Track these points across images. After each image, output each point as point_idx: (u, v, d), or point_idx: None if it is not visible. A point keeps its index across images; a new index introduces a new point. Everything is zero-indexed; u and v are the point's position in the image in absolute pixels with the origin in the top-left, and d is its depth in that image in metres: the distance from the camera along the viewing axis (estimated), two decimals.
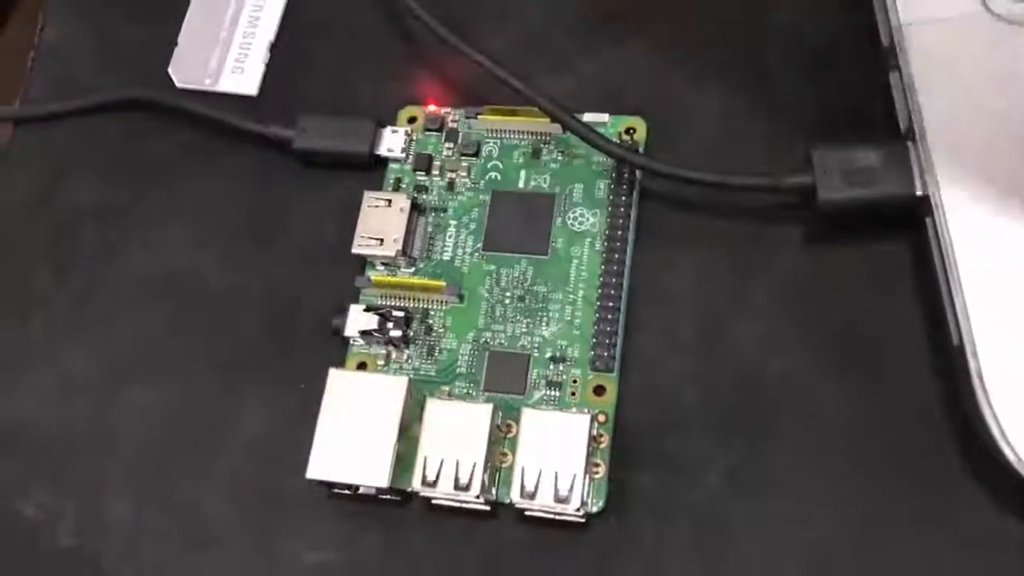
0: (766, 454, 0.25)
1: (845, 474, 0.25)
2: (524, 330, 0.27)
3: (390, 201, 0.28)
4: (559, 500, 0.23)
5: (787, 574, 0.24)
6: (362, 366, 0.27)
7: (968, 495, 0.24)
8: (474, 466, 0.24)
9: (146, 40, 0.33)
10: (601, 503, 0.25)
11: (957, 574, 0.24)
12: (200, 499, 0.27)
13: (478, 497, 0.24)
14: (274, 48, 0.32)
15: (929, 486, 0.24)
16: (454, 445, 0.24)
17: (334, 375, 0.25)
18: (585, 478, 0.24)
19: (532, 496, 0.23)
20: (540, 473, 0.23)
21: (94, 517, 0.27)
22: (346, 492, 0.25)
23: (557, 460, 0.24)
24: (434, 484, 0.24)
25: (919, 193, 0.25)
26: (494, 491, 0.25)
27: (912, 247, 0.26)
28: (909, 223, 0.26)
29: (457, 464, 0.24)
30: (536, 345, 0.27)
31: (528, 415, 0.24)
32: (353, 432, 0.24)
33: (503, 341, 0.27)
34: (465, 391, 0.26)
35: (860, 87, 0.28)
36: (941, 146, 0.25)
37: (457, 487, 0.24)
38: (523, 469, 0.24)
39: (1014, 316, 0.23)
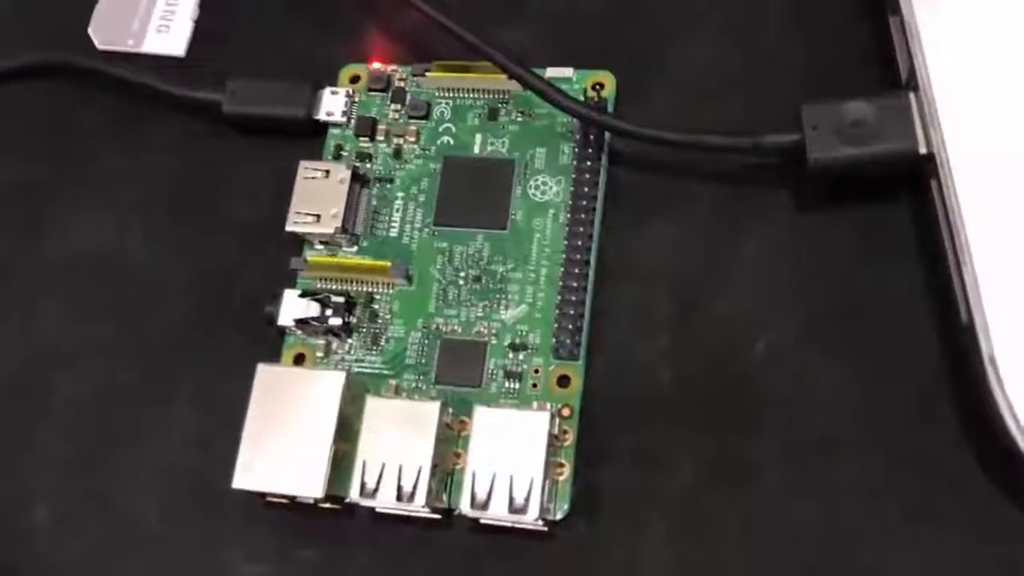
0: (750, 443, 0.23)
1: (837, 464, 0.22)
2: (480, 315, 0.24)
3: (328, 172, 0.25)
4: (515, 510, 0.20)
5: None
6: (299, 358, 0.24)
7: (976, 488, 0.22)
8: (419, 472, 0.21)
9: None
10: (566, 507, 0.22)
11: (963, 573, 0.21)
12: (126, 503, 0.24)
13: (424, 507, 0.21)
14: (204, 4, 0.29)
15: (932, 477, 0.22)
16: (398, 449, 0.21)
17: (262, 371, 0.22)
18: (546, 482, 0.21)
19: (484, 506, 0.21)
20: (494, 479, 0.21)
21: (11, 521, 0.25)
22: (282, 500, 0.23)
23: (513, 464, 0.21)
24: (374, 493, 0.21)
25: (922, 151, 0.22)
26: (445, 497, 0.22)
27: (915, 212, 0.23)
28: (911, 185, 0.23)
29: (400, 470, 0.21)
30: (494, 331, 0.24)
31: (480, 413, 0.21)
32: (284, 436, 0.22)
33: (457, 327, 0.24)
34: (414, 385, 0.24)
35: (855, 33, 0.25)
36: (948, 97, 0.22)
37: (400, 497, 0.21)
38: (474, 475, 0.21)
39: None
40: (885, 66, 0.24)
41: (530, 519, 0.21)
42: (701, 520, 0.22)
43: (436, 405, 0.22)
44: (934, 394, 0.22)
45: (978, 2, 0.23)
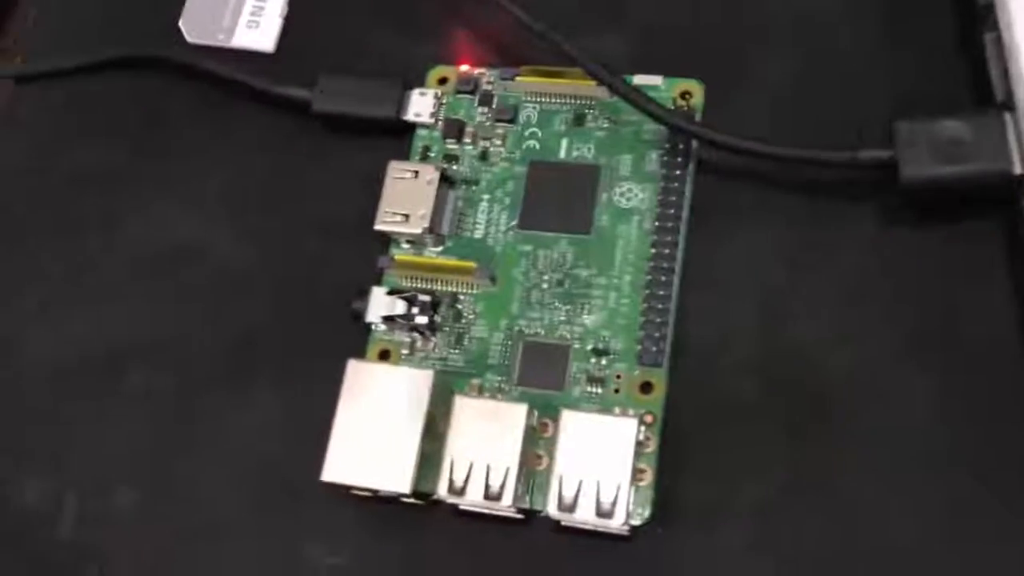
0: (833, 457, 0.23)
1: (922, 480, 0.22)
2: (563, 318, 0.24)
3: (417, 172, 0.25)
4: (602, 515, 0.21)
5: None
6: (384, 355, 0.25)
7: None
8: (507, 472, 0.21)
9: None
10: (647, 513, 0.22)
11: None
12: (208, 491, 0.25)
13: (510, 507, 0.21)
14: (293, 1, 0.30)
15: (1017, 496, 0.22)
16: (485, 449, 0.22)
17: (353, 367, 0.23)
18: (630, 487, 0.21)
19: (571, 509, 0.21)
20: (580, 484, 0.21)
21: (95, 507, 0.25)
22: (366, 493, 0.23)
23: (599, 469, 0.21)
24: (462, 491, 0.21)
25: (1017, 171, 0.22)
26: (527, 498, 0.22)
27: (1007, 231, 0.23)
28: (1004, 204, 0.23)
29: (488, 469, 0.21)
30: (577, 336, 0.24)
31: (568, 417, 0.22)
32: (373, 431, 0.22)
33: (540, 330, 0.24)
34: (497, 385, 0.24)
35: (949, 49, 0.25)
36: None
37: (488, 496, 0.21)
38: (561, 478, 0.21)
39: None
40: (980, 85, 0.24)
41: (616, 524, 0.21)
42: (781, 533, 0.22)
43: (523, 407, 0.22)
44: (1017, 415, 0.22)
45: None
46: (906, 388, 0.23)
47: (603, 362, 0.24)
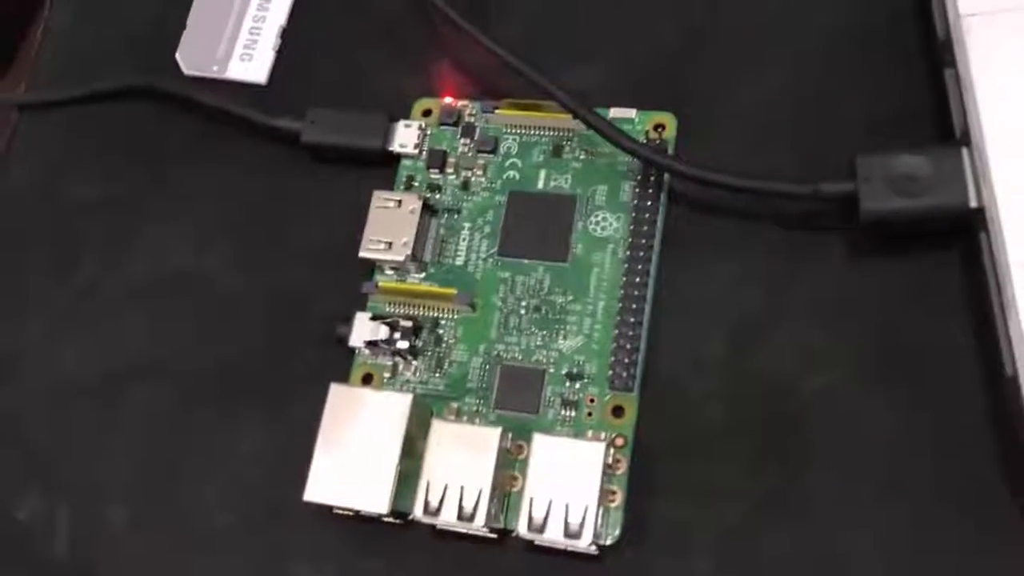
0: (800, 481, 0.23)
1: (886, 504, 0.23)
2: (539, 343, 0.25)
3: (400, 202, 0.26)
4: (570, 535, 0.22)
5: None
6: (367, 378, 0.26)
7: (1019, 530, 0.22)
8: (480, 494, 0.22)
9: (156, 24, 0.32)
10: (616, 534, 0.23)
11: None
12: (197, 510, 0.26)
13: (483, 527, 0.22)
14: (285, 34, 0.31)
15: (977, 518, 0.22)
16: (459, 471, 0.22)
17: (335, 391, 0.24)
18: (599, 509, 0.22)
19: (540, 529, 0.22)
20: (550, 504, 0.22)
21: (89, 524, 0.26)
22: (348, 512, 0.24)
23: (569, 491, 0.22)
24: (437, 512, 0.22)
25: (973, 205, 0.23)
26: (502, 518, 0.23)
27: (964, 262, 0.24)
28: (961, 236, 0.24)
29: (462, 491, 0.22)
30: (552, 360, 0.25)
31: (539, 441, 0.22)
32: (354, 453, 0.23)
33: (517, 355, 0.25)
34: (475, 408, 0.25)
35: (912, 85, 0.26)
36: (1000, 153, 0.23)
37: (461, 516, 0.22)
38: (532, 500, 0.22)
39: None
40: (941, 119, 0.25)
41: (583, 544, 0.22)
42: (749, 557, 0.23)
43: (497, 431, 0.23)
44: (979, 436, 0.23)
45: None
46: (872, 413, 0.24)
47: (576, 386, 0.25)
